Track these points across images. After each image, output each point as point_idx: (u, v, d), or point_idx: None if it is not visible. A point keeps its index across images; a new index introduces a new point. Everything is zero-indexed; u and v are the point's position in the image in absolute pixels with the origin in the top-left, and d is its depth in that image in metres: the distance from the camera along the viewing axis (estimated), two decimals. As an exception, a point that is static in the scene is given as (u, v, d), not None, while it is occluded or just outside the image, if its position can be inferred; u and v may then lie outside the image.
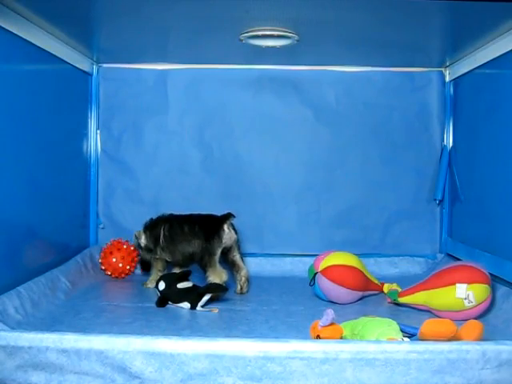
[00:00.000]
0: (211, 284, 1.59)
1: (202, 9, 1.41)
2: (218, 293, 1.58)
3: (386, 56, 1.96)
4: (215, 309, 1.56)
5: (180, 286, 1.60)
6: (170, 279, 1.63)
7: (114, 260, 1.94)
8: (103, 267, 1.96)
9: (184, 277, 1.65)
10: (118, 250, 1.95)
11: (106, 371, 1.02)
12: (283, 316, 1.51)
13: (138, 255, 1.97)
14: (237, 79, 2.14)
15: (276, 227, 2.16)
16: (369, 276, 1.74)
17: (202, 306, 1.57)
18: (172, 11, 1.44)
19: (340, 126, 2.15)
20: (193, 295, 1.57)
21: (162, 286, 1.62)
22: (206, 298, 1.57)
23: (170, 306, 1.60)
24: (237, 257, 1.81)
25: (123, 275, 1.96)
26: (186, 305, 1.57)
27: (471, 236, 1.88)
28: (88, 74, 2.09)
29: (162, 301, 1.60)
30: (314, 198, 2.16)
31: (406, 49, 1.84)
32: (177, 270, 1.82)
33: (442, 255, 2.11)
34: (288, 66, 2.13)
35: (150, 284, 1.85)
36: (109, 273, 1.95)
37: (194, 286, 1.62)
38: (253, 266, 2.08)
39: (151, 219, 1.89)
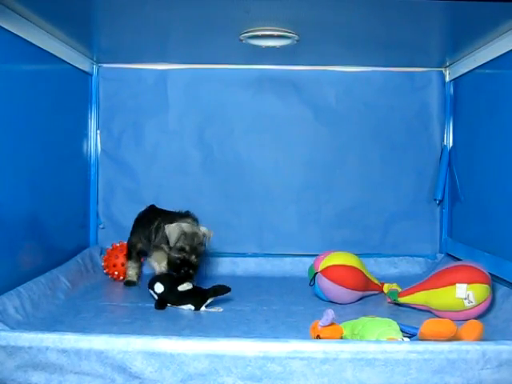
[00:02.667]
0: (216, 286, 1.58)
1: (202, 9, 1.41)
2: (224, 294, 1.57)
3: (386, 56, 1.96)
4: (219, 308, 1.56)
5: (181, 288, 1.59)
6: (169, 282, 1.60)
7: (120, 262, 1.92)
8: (107, 270, 1.95)
9: (182, 279, 1.62)
10: (121, 251, 1.94)
11: (106, 371, 1.02)
12: (283, 316, 1.51)
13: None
14: (237, 79, 2.14)
15: (276, 227, 2.16)
16: (369, 276, 1.74)
17: (206, 307, 1.56)
18: (172, 11, 1.44)
19: (340, 126, 2.15)
20: (197, 298, 1.56)
21: (160, 288, 1.58)
22: (210, 300, 1.56)
23: (169, 307, 1.59)
24: None
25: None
26: (189, 307, 1.56)
27: (471, 236, 1.88)
28: (88, 74, 2.09)
29: (162, 303, 1.58)
30: (314, 197, 2.16)
31: (406, 49, 1.84)
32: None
33: (442, 255, 2.11)
34: (288, 66, 2.13)
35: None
36: (115, 275, 1.93)
37: (194, 287, 1.61)
38: (253, 265, 2.09)
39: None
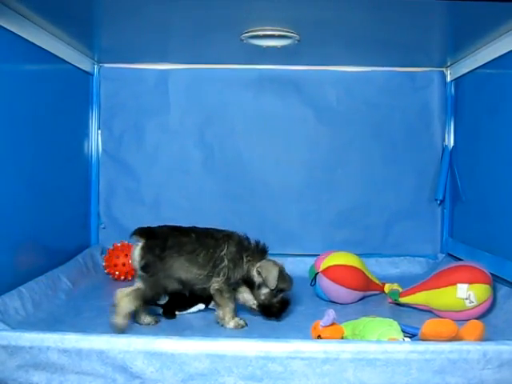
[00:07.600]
0: None
1: (203, 9, 1.41)
2: None
3: (386, 56, 1.96)
4: None
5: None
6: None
7: (121, 262, 1.91)
8: (108, 270, 1.94)
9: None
10: (122, 251, 1.94)
11: (106, 371, 1.02)
12: (284, 316, 1.51)
13: None
14: (238, 79, 2.14)
15: (277, 227, 2.16)
16: (370, 276, 1.74)
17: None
18: (173, 11, 1.44)
19: (341, 126, 2.15)
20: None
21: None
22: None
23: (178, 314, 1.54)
24: None
25: (130, 276, 1.94)
26: (198, 307, 1.54)
27: (472, 236, 1.88)
28: (89, 74, 2.09)
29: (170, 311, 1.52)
30: (314, 197, 2.16)
31: (407, 49, 1.84)
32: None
33: (443, 255, 2.10)
34: (289, 66, 2.13)
35: None
36: (115, 275, 1.93)
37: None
38: (254, 265, 2.08)
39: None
